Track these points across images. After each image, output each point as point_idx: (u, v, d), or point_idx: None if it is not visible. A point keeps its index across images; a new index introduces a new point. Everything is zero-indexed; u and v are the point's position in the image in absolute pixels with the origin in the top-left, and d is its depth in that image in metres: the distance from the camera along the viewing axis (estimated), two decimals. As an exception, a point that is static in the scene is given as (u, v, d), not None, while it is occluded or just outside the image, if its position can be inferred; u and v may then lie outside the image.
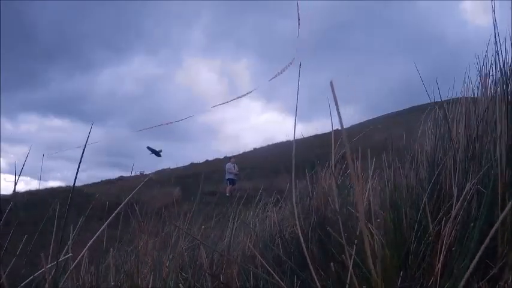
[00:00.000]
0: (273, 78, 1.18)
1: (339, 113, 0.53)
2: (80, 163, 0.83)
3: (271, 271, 1.00)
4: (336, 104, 0.54)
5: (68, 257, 0.96)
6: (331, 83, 0.55)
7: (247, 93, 1.17)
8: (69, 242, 1.09)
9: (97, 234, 0.88)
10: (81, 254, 0.92)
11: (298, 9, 1.09)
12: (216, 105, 1.24)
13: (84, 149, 0.82)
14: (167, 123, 1.25)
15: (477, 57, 1.57)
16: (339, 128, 1.18)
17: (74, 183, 0.85)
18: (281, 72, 1.16)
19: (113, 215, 0.88)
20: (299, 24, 1.09)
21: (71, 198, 0.89)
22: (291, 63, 1.14)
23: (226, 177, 14.31)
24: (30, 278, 0.91)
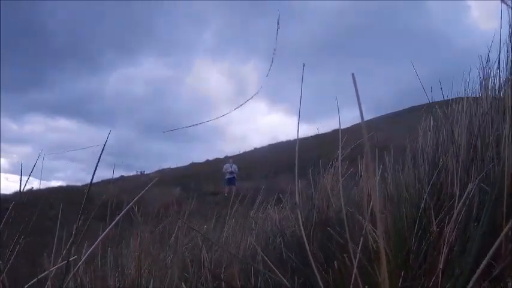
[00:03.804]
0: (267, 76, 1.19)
1: (360, 105, 0.52)
2: (95, 168, 0.82)
3: (274, 268, 0.99)
4: (357, 96, 0.53)
5: (68, 258, 0.95)
6: (352, 75, 0.54)
7: (251, 97, 1.16)
8: (71, 242, 1.09)
9: (100, 237, 0.87)
10: (82, 255, 0.91)
11: (279, 13, 1.10)
12: (224, 115, 1.24)
13: (98, 154, 0.82)
14: (179, 128, 1.24)
15: (480, 56, 1.57)
16: (339, 128, 1.17)
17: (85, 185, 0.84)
18: (267, 73, 1.17)
19: (117, 219, 0.87)
20: (278, 28, 1.10)
21: (85, 198, 0.88)
22: (272, 61, 1.15)
23: (225, 178, 14.39)
24: (34, 280, 0.91)
